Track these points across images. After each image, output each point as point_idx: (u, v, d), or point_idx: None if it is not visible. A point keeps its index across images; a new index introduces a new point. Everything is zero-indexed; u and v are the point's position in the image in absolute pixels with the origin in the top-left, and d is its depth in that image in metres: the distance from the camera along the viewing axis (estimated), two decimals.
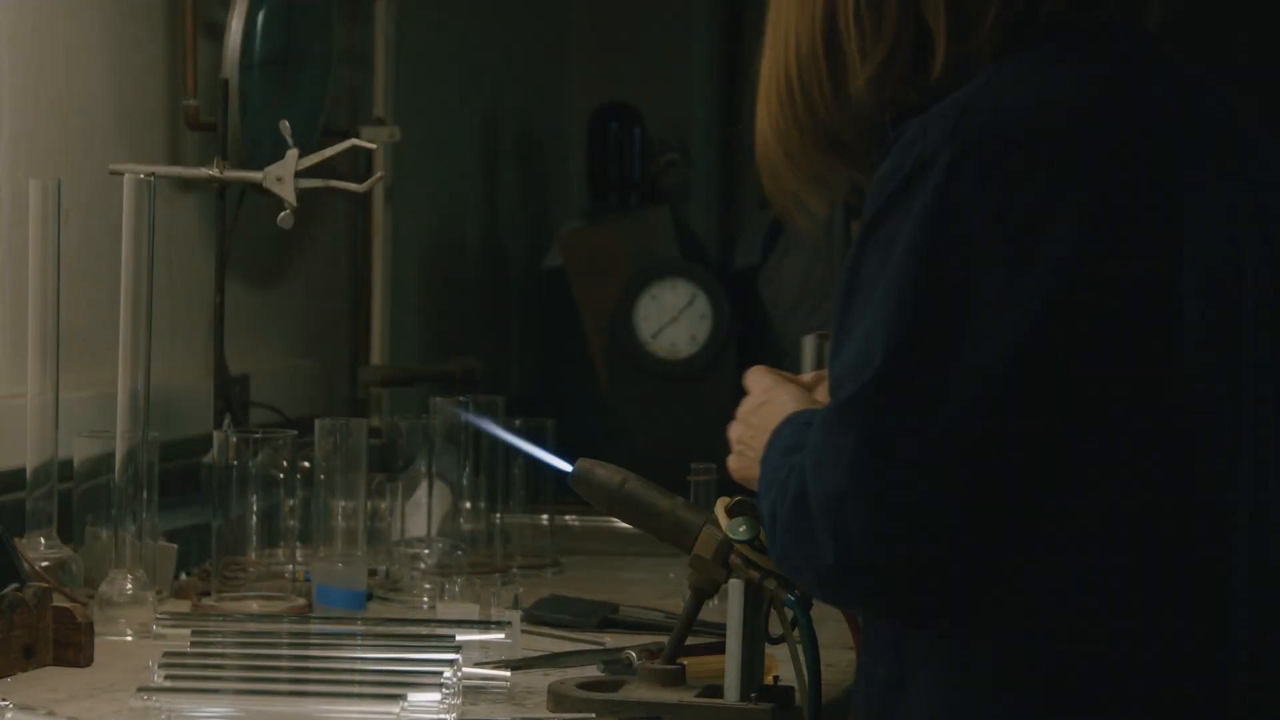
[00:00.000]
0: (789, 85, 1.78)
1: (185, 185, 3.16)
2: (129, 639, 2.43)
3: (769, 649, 2.05)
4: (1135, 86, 1.71)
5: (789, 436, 1.80)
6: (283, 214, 2.81)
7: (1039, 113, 1.66)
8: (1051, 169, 1.64)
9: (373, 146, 2.95)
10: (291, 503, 2.71)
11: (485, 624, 2.34)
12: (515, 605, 2.53)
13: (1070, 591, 1.65)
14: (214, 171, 2.87)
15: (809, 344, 2.20)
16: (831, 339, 1.72)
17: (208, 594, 2.62)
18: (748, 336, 4.11)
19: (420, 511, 2.88)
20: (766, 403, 1.91)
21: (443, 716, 2.01)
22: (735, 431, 1.94)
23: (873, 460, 1.64)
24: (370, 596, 2.67)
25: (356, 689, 2.05)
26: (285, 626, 2.31)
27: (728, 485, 2.29)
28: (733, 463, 1.94)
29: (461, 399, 2.91)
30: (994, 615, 1.67)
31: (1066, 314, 1.62)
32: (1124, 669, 1.65)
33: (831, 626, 2.12)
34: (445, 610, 2.51)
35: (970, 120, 1.65)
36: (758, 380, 1.95)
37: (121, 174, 2.58)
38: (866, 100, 1.76)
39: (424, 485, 2.88)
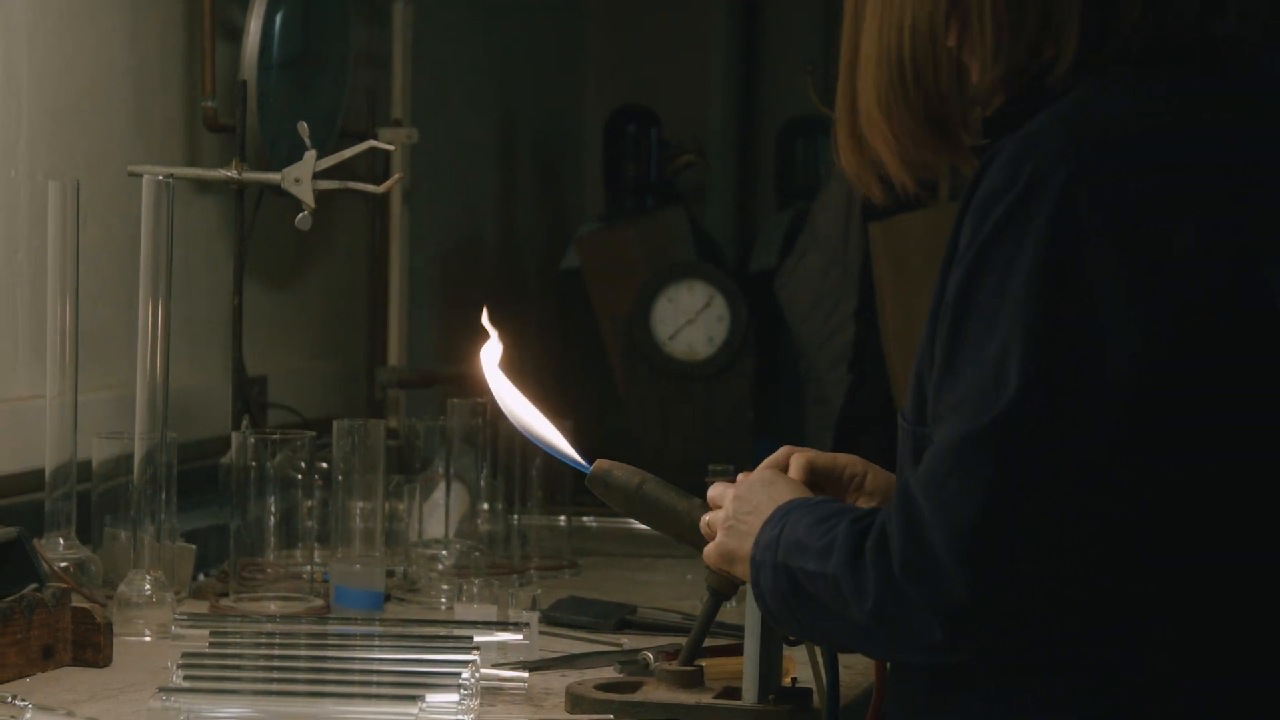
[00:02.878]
0: (901, 67, 1.77)
1: (203, 187, 3.17)
2: (147, 639, 2.44)
3: (787, 650, 2.05)
4: (1226, 101, 1.75)
5: (816, 508, 1.80)
6: (300, 215, 2.81)
7: (1146, 131, 1.69)
8: (1163, 188, 1.66)
9: (390, 148, 2.95)
10: (309, 504, 2.71)
11: (503, 625, 2.34)
12: (533, 606, 2.54)
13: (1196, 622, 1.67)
14: (232, 173, 2.88)
15: None
16: (937, 361, 1.69)
17: (226, 595, 2.62)
18: (764, 338, 4.11)
19: (438, 512, 2.88)
20: (767, 483, 1.90)
21: (461, 717, 2.02)
22: (727, 509, 1.92)
23: (1016, 489, 1.62)
24: (388, 597, 2.67)
25: (374, 690, 2.05)
26: (303, 627, 2.31)
27: None
28: (722, 542, 1.91)
29: (479, 400, 2.91)
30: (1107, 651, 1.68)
31: (1190, 329, 1.64)
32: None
33: None
34: (463, 611, 2.51)
35: (1082, 139, 1.67)
36: (755, 473, 1.95)
37: (140, 175, 2.59)
38: (985, 96, 1.76)
39: (442, 486, 2.88)
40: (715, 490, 1.98)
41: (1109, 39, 1.73)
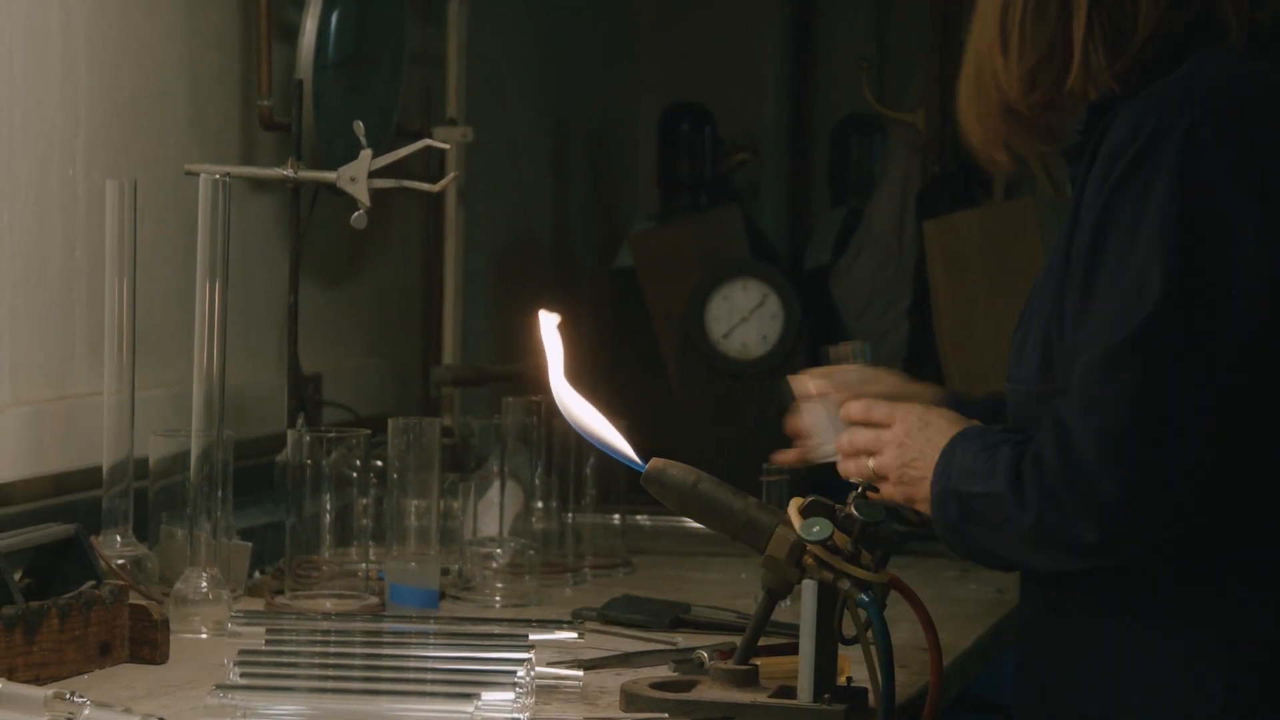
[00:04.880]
0: (978, 68, 2.03)
1: (259, 185, 3.18)
2: (204, 637, 2.45)
3: (842, 650, 2.05)
4: None
5: (978, 438, 1.95)
6: (356, 214, 2.82)
7: (1252, 85, 1.89)
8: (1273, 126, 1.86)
9: (445, 147, 2.95)
10: (364, 502, 2.72)
11: (557, 623, 2.34)
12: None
13: None
14: (288, 171, 2.88)
15: (848, 350, 2.29)
16: (1075, 293, 1.86)
17: (281, 592, 2.63)
18: (819, 336, 4.10)
19: (492, 511, 2.88)
20: (927, 426, 2.02)
21: (516, 715, 2.02)
22: (892, 458, 2.03)
23: (1159, 393, 1.78)
24: (443, 595, 2.68)
25: (430, 688, 2.05)
26: (359, 625, 2.32)
27: (801, 485, 2.28)
28: (900, 491, 2.03)
29: (534, 398, 2.92)
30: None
31: None
32: None
33: (905, 627, 2.12)
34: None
35: (1200, 94, 1.86)
36: (900, 410, 2.05)
37: (196, 174, 2.60)
38: (1018, 96, 1.99)
39: (496, 485, 2.88)
40: (857, 439, 2.06)
41: (1125, 47, 1.94)
